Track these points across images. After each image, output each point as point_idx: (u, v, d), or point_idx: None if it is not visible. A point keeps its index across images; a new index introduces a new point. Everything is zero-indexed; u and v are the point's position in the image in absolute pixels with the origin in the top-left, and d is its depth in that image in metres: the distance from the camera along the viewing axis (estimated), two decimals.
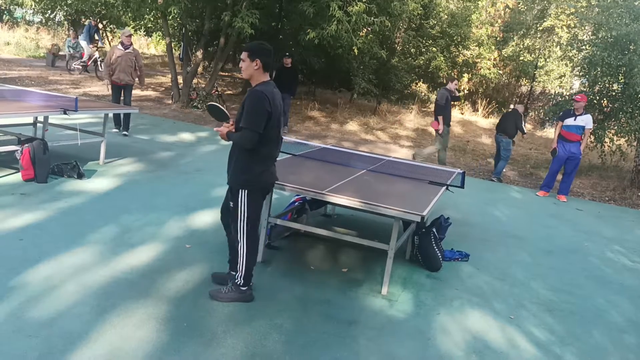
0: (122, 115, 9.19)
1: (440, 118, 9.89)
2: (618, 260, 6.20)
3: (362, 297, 4.18)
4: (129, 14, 13.90)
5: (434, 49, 16.76)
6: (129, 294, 3.66)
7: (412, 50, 17.57)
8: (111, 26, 22.73)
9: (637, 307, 4.82)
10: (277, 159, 3.88)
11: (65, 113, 6.22)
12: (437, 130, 9.99)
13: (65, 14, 21.64)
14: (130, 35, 9.14)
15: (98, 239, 4.52)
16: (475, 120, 17.48)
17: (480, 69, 18.07)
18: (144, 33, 22.72)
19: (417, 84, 19.82)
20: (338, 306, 3.96)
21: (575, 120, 8.85)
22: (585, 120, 8.85)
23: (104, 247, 4.38)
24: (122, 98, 9.24)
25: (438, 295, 4.43)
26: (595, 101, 11.42)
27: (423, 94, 20.64)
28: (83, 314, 3.31)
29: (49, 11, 20.82)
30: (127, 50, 8.95)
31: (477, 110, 18.79)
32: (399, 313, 3.99)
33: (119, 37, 16.01)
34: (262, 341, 3.32)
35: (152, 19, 16.24)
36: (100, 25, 17.00)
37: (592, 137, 11.13)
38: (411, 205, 4.13)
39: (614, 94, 11.33)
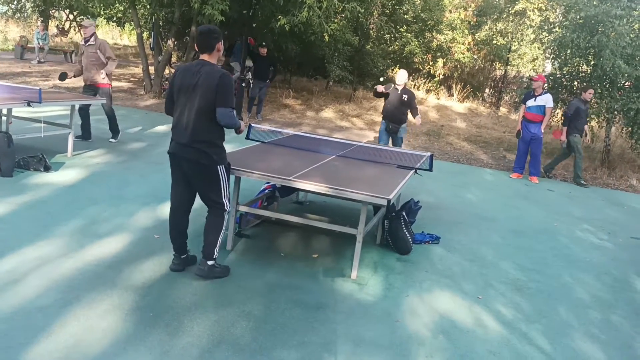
0: (109, 121, 7.96)
1: (564, 129, 9.45)
2: (586, 238, 6.31)
3: (332, 281, 4.19)
4: (97, 4, 13.63)
5: (408, 34, 16.76)
6: (94, 286, 3.62)
7: (386, 36, 17.55)
8: (81, 17, 22.27)
9: (602, 283, 4.92)
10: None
11: (29, 105, 6.09)
12: (562, 142, 9.59)
13: (32, 4, 21.14)
14: (89, 27, 7.68)
15: (64, 232, 4.46)
16: (450, 105, 17.56)
17: (454, 53, 18.14)
18: (116, 24, 22.32)
19: (393, 69, 19.83)
20: (307, 291, 3.97)
21: (535, 100, 9.04)
22: (545, 100, 9.02)
23: (70, 240, 4.32)
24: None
25: (407, 278, 4.46)
26: (566, 82, 11.55)
27: None
28: (46, 307, 3.27)
29: (15, 1, 20.32)
30: (89, 44, 7.59)
31: (452, 95, 18.89)
32: (368, 296, 4.02)
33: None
34: (229, 328, 3.31)
35: (122, 8, 15.96)
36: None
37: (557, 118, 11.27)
38: (378, 189, 4.14)
39: (583, 75, 11.46)
